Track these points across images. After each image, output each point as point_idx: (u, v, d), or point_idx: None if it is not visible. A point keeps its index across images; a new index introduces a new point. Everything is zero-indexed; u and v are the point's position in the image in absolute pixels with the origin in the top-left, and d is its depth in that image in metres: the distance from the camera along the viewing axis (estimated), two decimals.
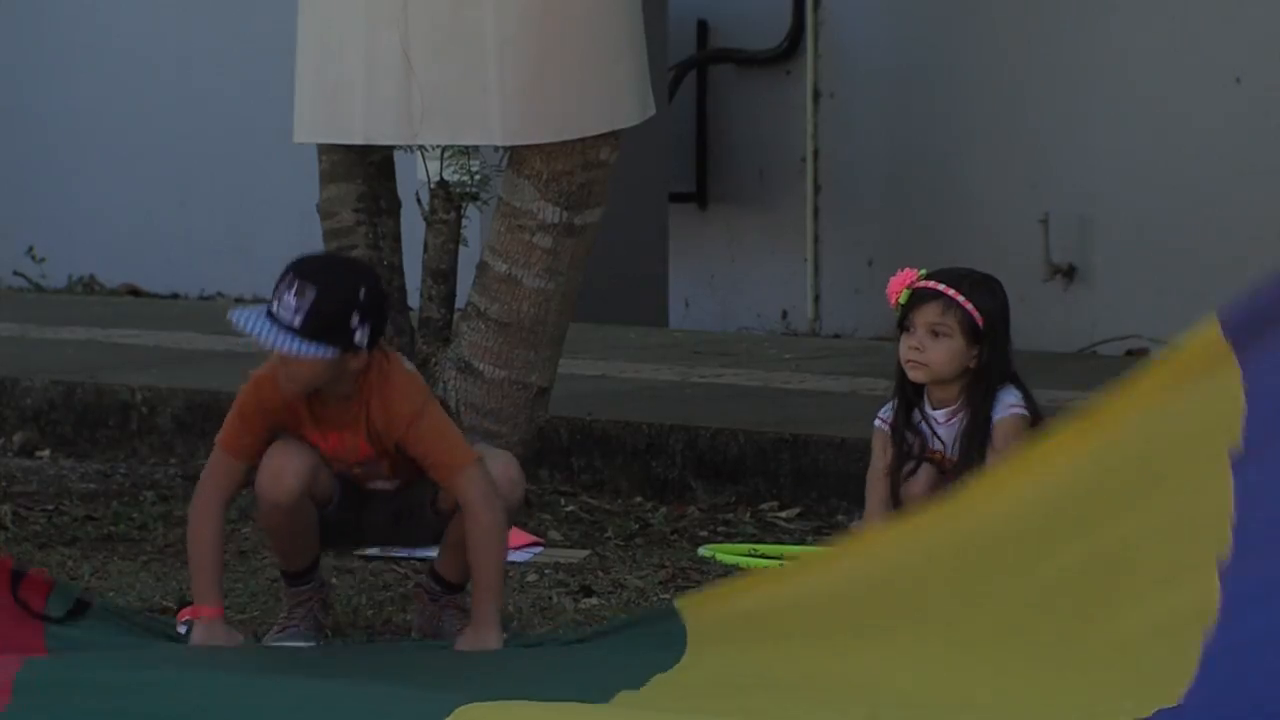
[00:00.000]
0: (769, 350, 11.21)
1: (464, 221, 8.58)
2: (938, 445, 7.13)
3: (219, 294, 12.97)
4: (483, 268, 8.28)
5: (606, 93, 8.43)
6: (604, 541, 8.30)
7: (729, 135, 12.95)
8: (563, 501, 8.87)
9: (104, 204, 13.87)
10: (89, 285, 14.29)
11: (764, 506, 8.85)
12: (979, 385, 6.95)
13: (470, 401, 8.22)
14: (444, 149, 8.52)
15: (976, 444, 6.99)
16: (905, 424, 6.75)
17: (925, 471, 6.23)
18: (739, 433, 9.02)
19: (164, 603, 7.52)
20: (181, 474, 9.67)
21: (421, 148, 8.28)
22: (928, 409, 6.57)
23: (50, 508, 9.06)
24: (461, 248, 8.56)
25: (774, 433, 9.26)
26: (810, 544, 8.29)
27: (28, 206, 14.76)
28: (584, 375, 9.83)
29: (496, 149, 8.39)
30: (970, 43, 11.53)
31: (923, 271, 7.09)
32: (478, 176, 8.60)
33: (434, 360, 8.30)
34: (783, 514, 8.75)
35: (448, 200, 8.54)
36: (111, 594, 7.70)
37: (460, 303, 8.69)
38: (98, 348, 11.53)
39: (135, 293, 13.72)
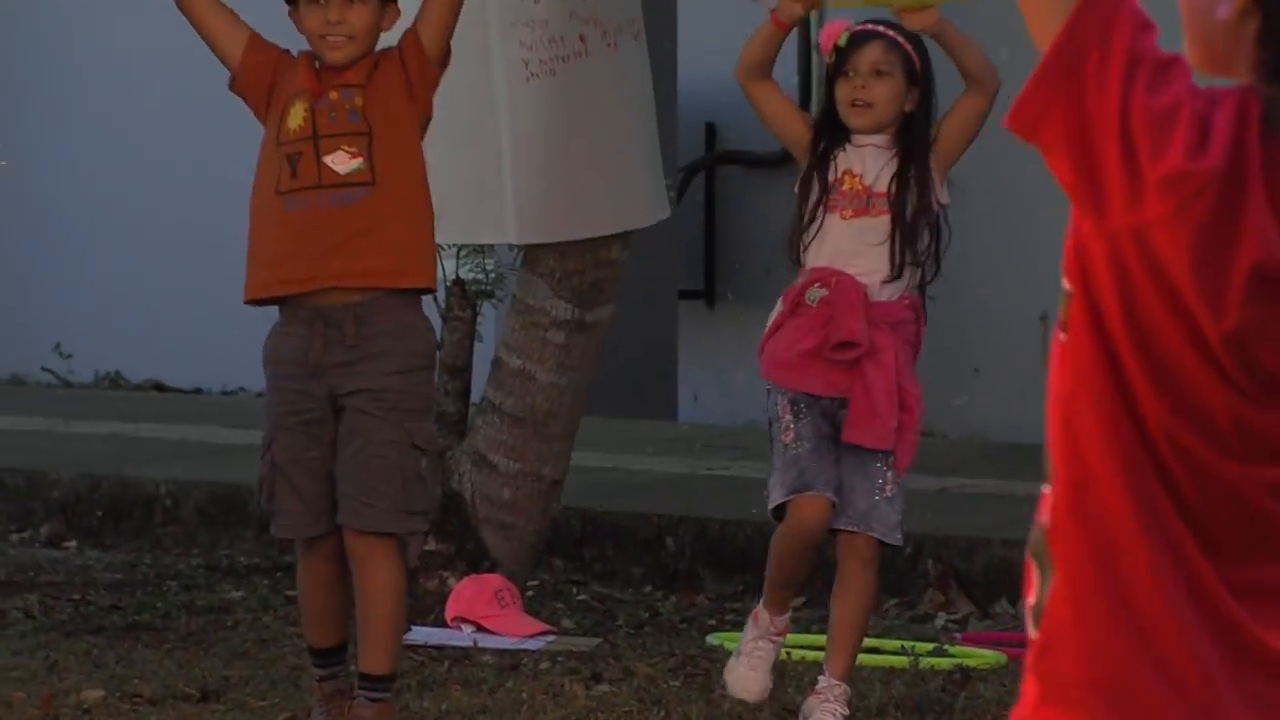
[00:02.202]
0: None
1: (479, 318, 8.67)
2: (859, 170, 6.99)
3: (240, 389, 13.06)
4: (497, 363, 8.29)
5: (620, 194, 8.43)
6: (615, 630, 8.29)
7: (737, 234, 13.02)
8: (575, 590, 8.87)
9: (129, 301, 14.00)
10: (115, 381, 14.57)
11: None
12: (910, 130, 6.80)
13: (485, 494, 8.20)
14: (460, 248, 8.51)
15: (915, 182, 6.78)
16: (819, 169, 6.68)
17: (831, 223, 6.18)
18: (747, 524, 8.93)
19: (187, 689, 7.47)
20: (204, 564, 9.74)
21: (439, 246, 7.90)
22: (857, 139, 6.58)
23: (76, 597, 9.09)
24: (477, 343, 8.54)
25: None
26: (816, 632, 8.12)
27: (55, 303, 14.93)
28: (596, 467, 9.75)
29: (511, 248, 8.49)
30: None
31: (853, 21, 7.19)
32: (493, 274, 8.69)
33: (450, 453, 8.19)
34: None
35: (464, 298, 8.51)
36: (136, 681, 7.63)
37: (475, 397, 8.69)
38: (123, 441, 11.57)
39: (160, 388, 13.94)
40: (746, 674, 6.88)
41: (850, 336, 6.81)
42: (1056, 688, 2.37)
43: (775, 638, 7.19)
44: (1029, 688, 2.39)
